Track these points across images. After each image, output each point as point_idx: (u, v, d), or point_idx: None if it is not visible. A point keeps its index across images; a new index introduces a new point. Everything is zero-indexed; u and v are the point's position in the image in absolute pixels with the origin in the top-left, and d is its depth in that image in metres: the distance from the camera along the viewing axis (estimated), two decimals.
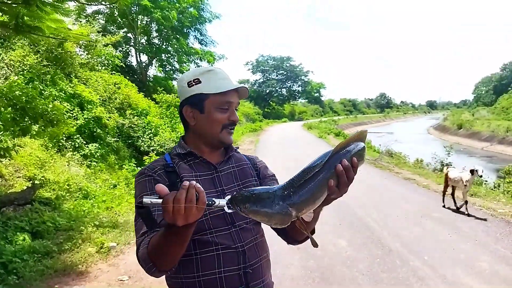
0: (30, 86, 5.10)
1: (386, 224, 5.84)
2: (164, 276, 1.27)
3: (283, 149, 16.33)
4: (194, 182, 0.96)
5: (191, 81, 1.33)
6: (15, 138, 4.68)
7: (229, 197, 0.99)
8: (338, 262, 4.46)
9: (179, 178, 1.27)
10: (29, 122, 4.40)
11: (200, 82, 1.31)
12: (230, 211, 0.99)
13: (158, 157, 1.45)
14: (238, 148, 1.51)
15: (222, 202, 0.99)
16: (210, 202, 0.98)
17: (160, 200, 0.93)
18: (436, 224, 5.92)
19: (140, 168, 1.43)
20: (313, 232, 1.32)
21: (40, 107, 4.19)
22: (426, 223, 5.95)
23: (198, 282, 1.22)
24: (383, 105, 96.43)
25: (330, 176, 1.03)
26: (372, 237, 5.26)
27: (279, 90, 57.09)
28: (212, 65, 21.99)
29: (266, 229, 1.38)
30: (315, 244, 1.12)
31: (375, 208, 6.81)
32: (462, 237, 5.29)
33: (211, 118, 1.30)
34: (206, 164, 1.34)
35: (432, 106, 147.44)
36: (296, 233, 1.33)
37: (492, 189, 9.17)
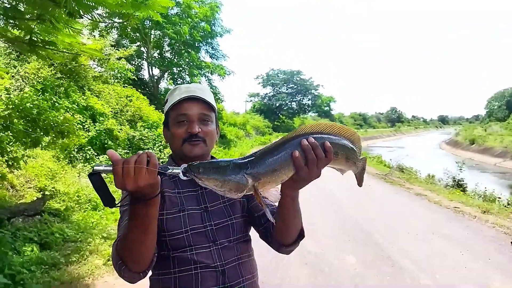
0: (41, 97, 5.18)
1: (396, 241, 5.74)
2: None
3: None
4: (149, 151, 0.96)
5: (165, 101, 1.36)
6: (26, 149, 4.75)
7: (185, 165, 0.97)
8: (347, 279, 4.38)
9: (162, 192, 1.23)
10: (40, 133, 4.47)
11: (167, 101, 1.33)
12: (185, 178, 0.97)
13: None
14: None
15: (176, 170, 0.98)
16: (164, 168, 0.97)
17: (110, 168, 0.93)
18: (447, 241, 5.80)
19: None
20: (302, 234, 1.27)
21: (51, 118, 4.25)
22: (437, 240, 5.83)
23: None
24: (394, 120, 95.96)
25: (291, 151, 0.99)
26: (382, 253, 5.17)
27: (289, 103, 57.21)
28: (223, 78, 22.20)
29: (266, 247, 1.36)
30: (272, 220, 1.06)
31: (384, 224, 6.71)
32: (474, 256, 5.17)
33: (172, 134, 1.30)
34: (190, 181, 1.32)
35: (443, 120, 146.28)
36: (282, 234, 1.24)
37: (505, 206, 8.98)
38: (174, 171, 0.98)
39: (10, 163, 4.31)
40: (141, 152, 0.95)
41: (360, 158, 1.16)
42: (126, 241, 1.05)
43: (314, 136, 1.01)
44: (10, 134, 4.01)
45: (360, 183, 1.23)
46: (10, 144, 4.10)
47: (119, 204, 1.08)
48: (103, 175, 0.97)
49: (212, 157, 1.41)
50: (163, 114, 1.38)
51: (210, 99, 1.31)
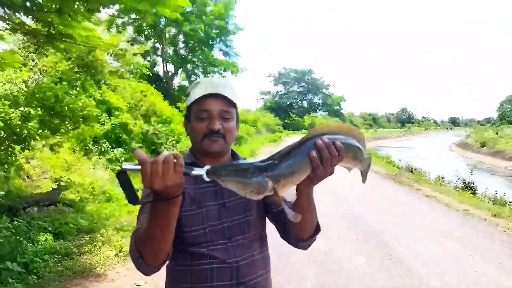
0: (59, 86, 5.28)
1: (405, 242, 5.74)
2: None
3: None
4: (175, 152, 1.01)
5: (186, 95, 1.39)
6: (43, 139, 4.85)
7: (208, 167, 1.02)
8: (355, 278, 4.40)
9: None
10: (58, 121, 4.54)
11: (189, 94, 1.35)
12: (208, 179, 1.02)
13: None
14: (245, 159, 1.48)
15: (201, 171, 1.02)
16: (188, 169, 1.01)
17: (139, 166, 0.97)
18: (457, 244, 5.77)
19: None
20: (318, 228, 1.32)
21: (71, 105, 4.32)
22: (446, 242, 5.81)
23: None
24: (404, 120, 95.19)
25: (308, 151, 1.04)
26: (391, 254, 5.18)
27: (299, 102, 57.18)
28: (235, 75, 22.27)
29: (278, 239, 1.40)
30: (294, 217, 1.08)
31: (393, 225, 6.70)
32: (484, 259, 5.14)
33: (193, 128, 1.32)
34: None
35: (454, 122, 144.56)
36: (300, 230, 1.28)
37: None
38: (198, 172, 1.02)
39: (53, 148, 4.41)
40: (167, 153, 1.00)
41: (366, 156, 1.22)
42: (146, 237, 1.09)
43: (326, 136, 1.06)
44: (30, 125, 4.09)
45: (364, 179, 1.29)
46: (31, 133, 4.18)
47: (142, 202, 1.13)
48: (129, 172, 1.02)
49: (233, 152, 1.44)
50: (185, 107, 1.40)
51: (232, 95, 1.32)
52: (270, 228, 1.44)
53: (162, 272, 1.29)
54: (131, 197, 1.03)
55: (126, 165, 0.99)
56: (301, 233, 1.29)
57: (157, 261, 1.13)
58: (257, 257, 1.33)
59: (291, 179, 1.05)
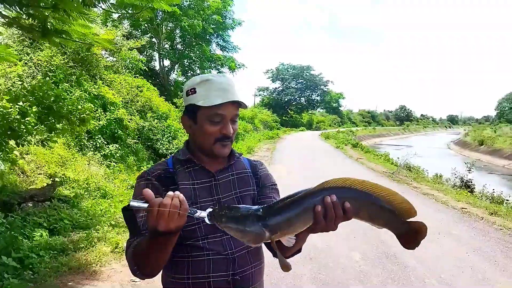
0: (61, 87, 5.25)
1: None
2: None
3: (300, 157, 16.27)
4: (178, 192, 1.03)
5: (188, 90, 1.33)
6: (40, 135, 4.82)
7: (210, 210, 1.06)
8: (351, 276, 4.39)
9: (176, 184, 1.30)
10: (54, 121, 4.51)
11: (195, 92, 1.30)
12: (210, 222, 1.06)
13: None
14: (241, 154, 1.49)
15: (203, 214, 1.06)
16: (192, 212, 1.06)
17: (145, 205, 1.01)
18: (454, 242, 5.78)
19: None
20: (299, 251, 1.37)
21: (69, 106, 4.30)
22: (443, 240, 5.81)
23: (187, 284, 1.26)
24: (403, 118, 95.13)
25: (313, 206, 1.03)
26: (387, 251, 5.17)
27: (297, 98, 57.02)
28: (233, 72, 22.20)
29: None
30: (284, 267, 1.09)
31: None
32: (480, 257, 5.15)
33: (203, 130, 1.29)
34: (204, 171, 1.35)
35: (453, 121, 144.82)
36: (285, 251, 1.27)
37: None
38: (201, 215, 1.07)
39: (44, 143, 4.39)
40: (171, 193, 1.02)
41: (407, 221, 1.10)
42: (143, 257, 1.14)
43: (337, 191, 1.04)
44: (27, 120, 4.06)
45: (408, 247, 1.15)
46: (29, 127, 4.15)
47: (143, 233, 1.17)
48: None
49: (232, 150, 1.43)
50: (188, 103, 1.35)
51: (241, 96, 1.33)
52: None
53: None
54: (134, 231, 1.13)
55: (134, 203, 1.03)
56: (284, 252, 1.29)
57: (154, 273, 1.19)
58: (252, 249, 1.34)
59: (289, 231, 1.05)
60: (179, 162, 1.35)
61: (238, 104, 1.31)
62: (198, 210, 1.07)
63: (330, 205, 1.03)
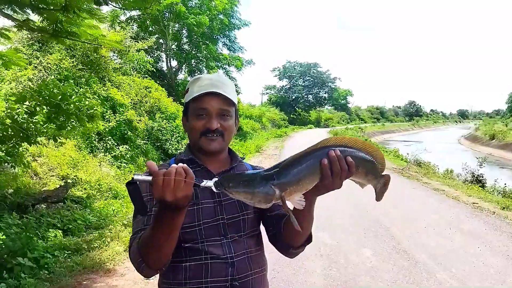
0: (66, 84, 5.32)
1: (412, 235, 5.72)
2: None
3: None
4: (184, 164, 1.01)
5: (185, 91, 1.37)
6: (50, 138, 4.89)
7: (216, 179, 1.04)
8: (362, 272, 4.40)
9: None
10: (64, 119, 4.57)
11: (188, 91, 1.34)
12: (216, 191, 1.03)
13: None
14: (244, 158, 1.48)
15: (209, 183, 1.03)
16: (198, 181, 1.03)
17: (150, 177, 0.99)
18: (465, 236, 5.75)
19: None
20: (310, 239, 1.32)
21: (77, 103, 4.36)
22: (454, 235, 5.78)
23: None
24: (412, 114, 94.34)
25: (319, 160, 1.04)
26: (398, 247, 5.17)
27: (305, 96, 56.93)
28: (240, 71, 22.23)
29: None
30: (298, 227, 1.09)
31: (401, 218, 6.68)
32: (492, 251, 5.12)
33: (191, 126, 1.31)
34: (206, 173, 1.32)
35: (463, 115, 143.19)
36: (293, 236, 1.28)
37: None
38: (207, 184, 1.04)
39: (55, 138, 4.47)
40: (175, 165, 1.00)
41: (382, 174, 1.20)
42: (150, 244, 1.10)
43: (338, 148, 1.06)
44: (36, 119, 4.13)
45: (378, 198, 1.27)
46: (38, 127, 4.23)
47: (150, 212, 1.16)
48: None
49: (230, 150, 1.44)
50: (183, 103, 1.40)
51: (231, 93, 1.31)
52: None
53: None
54: (141, 208, 1.06)
55: (137, 176, 1.00)
56: (294, 240, 1.29)
57: (159, 264, 1.14)
58: (253, 254, 1.31)
59: (298, 187, 1.05)
60: (182, 163, 1.35)
61: (227, 100, 1.30)
62: (204, 180, 1.04)
63: (335, 158, 1.04)
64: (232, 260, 1.24)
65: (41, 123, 4.22)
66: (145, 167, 1.06)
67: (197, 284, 1.21)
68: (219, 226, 1.27)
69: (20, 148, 4.29)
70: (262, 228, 1.41)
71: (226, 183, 1.02)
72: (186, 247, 1.23)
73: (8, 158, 4.25)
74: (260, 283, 1.32)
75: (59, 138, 4.57)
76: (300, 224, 1.14)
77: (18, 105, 4.17)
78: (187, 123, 1.34)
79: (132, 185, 1.01)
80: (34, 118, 4.17)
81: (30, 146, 4.29)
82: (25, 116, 4.14)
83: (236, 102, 1.37)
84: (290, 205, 1.08)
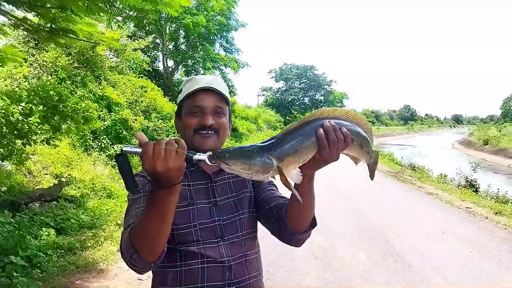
0: (63, 86, 5.30)
1: (406, 239, 5.74)
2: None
3: None
4: (174, 137, 0.99)
5: (178, 92, 1.36)
6: (44, 135, 4.87)
7: (210, 152, 1.00)
8: (356, 274, 4.41)
9: None
10: (60, 119, 4.56)
11: (181, 91, 1.32)
12: (210, 163, 0.99)
13: None
14: None
15: (202, 156, 1.00)
16: (191, 152, 0.99)
17: (139, 149, 0.94)
18: (458, 241, 5.78)
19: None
20: (314, 222, 1.27)
21: (73, 105, 4.34)
22: (448, 239, 5.82)
23: None
24: (407, 118, 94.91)
25: (315, 130, 1.03)
26: (392, 250, 5.19)
27: (301, 98, 57.00)
28: (236, 72, 22.24)
29: (276, 240, 1.34)
30: (298, 197, 1.06)
31: (395, 222, 6.71)
32: (485, 256, 5.15)
33: (184, 124, 1.28)
34: (201, 173, 1.30)
35: (458, 120, 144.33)
36: (297, 219, 1.23)
37: None
38: (200, 156, 1.00)
39: (49, 141, 4.44)
40: (169, 139, 0.96)
41: (373, 150, 1.20)
42: (143, 229, 1.02)
43: (332, 119, 1.06)
44: (31, 120, 4.11)
45: (372, 175, 1.26)
46: (32, 128, 4.20)
47: (141, 190, 1.11)
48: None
49: None
50: (176, 104, 1.37)
51: (225, 92, 1.30)
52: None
53: None
54: (131, 184, 0.98)
55: (127, 148, 0.95)
56: (299, 224, 1.24)
57: (152, 256, 1.05)
58: (251, 257, 1.28)
59: (295, 158, 1.03)
60: (190, 159, 1.32)
61: (220, 98, 1.29)
62: (197, 153, 1.00)
63: (330, 128, 1.02)
64: (230, 263, 1.21)
65: (36, 124, 4.20)
66: (140, 167, 1.01)
67: None
68: (215, 227, 1.23)
69: (15, 146, 4.25)
70: (259, 229, 1.39)
71: (222, 154, 0.97)
72: (181, 250, 1.19)
73: (1, 151, 4.20)
74: (258, 285, 1.29)
75: (53, 141, 4.53)
76: (305, 202, 1.12)
77: (14, 105, 4.15)
78: (180, 122, 1.32)
79: (121, 157, 0.96)
80: (29, 119, 4.14)
81: (25, 147, 4.25)
82: (20, 117, 4.11)
83: (229, 101, 1.36)
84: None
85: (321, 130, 1.02)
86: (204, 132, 1.24)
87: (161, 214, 1.00)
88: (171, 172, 0.93)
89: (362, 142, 1.13)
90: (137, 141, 0.96)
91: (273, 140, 1.03)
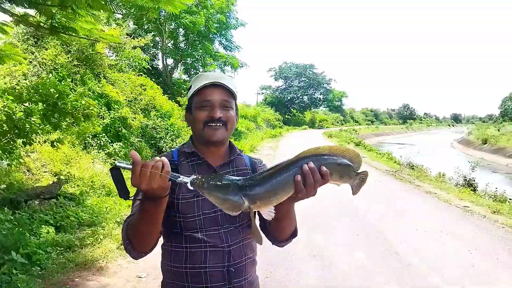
0: (63, 83, 5.29)
1: (404, 238, 5.76)
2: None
3: None
4: (164, 158, 1.09)
5: (188, 88, 1.46)
6: (45, 134, 4.87)
7: (193, 176, 1.09)
8: (354, 273, 4.43)
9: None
10: (60, 117, 4.56)
11: (191, 87, 1.42)
12: (191, 188, 1.09)
13: None
14: (242, 151, 1.55)
15: (186, 179, 1.09)
16: (175, 176, 1.09)
17: (130, 166, 1.06)
18: (456, 240, 5.80)
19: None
20: (295, 233, 1.44)
21: (73, 102, 4.35)
22: (446, 238, 5.84)
23: (185, 272, 1.33)
24: (406, 116, 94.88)
25: (293, 175, 1.10)
26: (390, 250, 5.21)
27: (300, 97, 56.99)
28: (235, 70, 22.25)
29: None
30: (258, 238, 1.19)
31: (393, 221, 6.73)
32: (483, 255, 5.17)
33: (195, 117, 1.39)
34: (207, 166, 1.41)
35: (456, 119, 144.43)
36: (281, 231, 1.41)
37: None
38: (183, 180, 1.09)
39: (54, 144, 4.46)
40: (157, 158, 1.09)
41: (360, 172, 1.25)
42: (134, 229, 1.23)
43: (313, 159, 1.13)
44: (32, 119, 4.11)
45: (354, 193, 1.31)
46: (33, 127, 4.21)
47: (132, 198, 1.24)
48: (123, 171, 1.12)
49: (231, 144, 1.50)
50: (188, 99, 1.47)
51: (232, 86, 1.39)
52: None
53: None
54: (123, 192, 1.14)
55: (120, 163, 1.08)
56: (278, 235, 1.43)
57: (144, 248, 1.27)
58: (247, 242, 1.41)
59: (269, 201, 1.12)
60: (184, 155, 1.43)
61: (228, 92, 1.38)
62: (181, 175, 1.10)
63: (308, 172, 1.10)
64: (229, 248, 1.35)
65: (37, 124, 4.20)
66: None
67: (196, 269, 1.32)
68: (217, 217, 1.35)
69: (16, 144, 4.26)
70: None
71: (201, 183, 1.07)
72: (187, 235, 1.33)
73: (1, 153, 4.22)
74: (251, 266, 1.44)
75: (56, 145, 4.54)
76: (282, 224, 1.34)
77: (15, 104, 4.15)
78: (191, 116, 1.42)
79: (115, 171, 1.11)
80: (32, 118, 4.15)
81: (25, 146, 4.26)
82: (22, 116, 4.11)
83: (236, 96, 1.44)
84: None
85: (299, 177, 1.11)
86: (213, 124, 1.35)
87: (149, 220, 1.19)
88: (154, 190, 1.08)
89: (342, 173, 1.20)
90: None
91: (251, 181, 1.10)
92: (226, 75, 1.47)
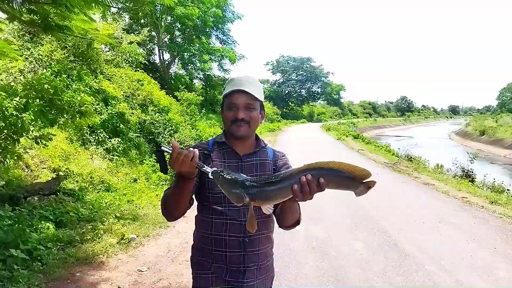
0: (58, 79, 5.27)
1: (402, 228, 5.81)
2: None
3: (301, 150, 16.29)
4: (195, 150, 1.37)
5: (223, 89, 1.73)
6: (41, 129, 4.86)
7: (214, 169, 1.39)
8: (353, 264, 4.47)
9: (212, 161, 1.64)
10: (56, 113, 4.56)
11: (224, 89, 1.70)
12: (211, 177, 1.38)
13: None
14: (266, 145, 1.80)
15: (208, 169, 1.39)
16: (200, 165, 1.39)
17: (170, 151, 1.35)
18: (454, 230, 5.85)
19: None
20: (298, 221, 1.68)
21: (68, 99, 4.34)
22: (444, 228, 5.89)
23: (210, 238, 1.64)
24: (404, 109, 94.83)
25: (291, 185, 1.27)
26: (388, 240, 5.25)
27: (298, 90, 56.94)
28: (234, 64, 22.25)
29: (276, 228, 1.74)
30: (250, 226, 1.40)
31: (392, 212, 6.77)
32: (480, 244, 5.22)
33: (224, 116, 1.68)
34: (234, 154, 1.69)
35: (454, 111, 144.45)
36: (284, 220, 1.65)
37: None
38: (207, 170, 1.40)
39: (38, 140, 4.46)
40: (191, 149, 1.36)
41: (363, 182, 1.33)
42: (168, 199, 1.53)
43: (312, 171, 1.27)
44: (25, 115, 4.10)
45: (357, 196, 1.41)
46: (31, 123, 4.20)
47: (169, 173, 1.61)
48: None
49: (257, 136, 1.76)
50: (222, 98, 1.74)
51: (256, 91, 1.63)
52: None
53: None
54: (163, 168, 1.53)
55: (164, 147, 1.42)
56: (284, 223, 1.67)
57: (175, 216, 1.60)
58: (263, 220, 1.64)
59: (266, 201, 1.34)
60: (217, 144, 1.71)
61: (252, 96, 1.62)
62: (205, 166, 1.41)
63: (305, 183, 1.27)
64: (245, 222, 1.53)
65: (29, 120, 4.19)
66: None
67: (219, 236, 1.62)
68: None
69: (13, 140, 4.26)
70: None
71: (217, 176, 1.36)
72: (213, 208, 1.63)
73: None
74: (266, 241, 1.70)
75: (40, 142, 4.53)
76: (286, 214, 1.61)
77: (8, 100, 4.14)
78: (223, 114, 1.69)
79: (159, 152, 1.45)
80: (23, 114, 4.13)
81: (19, 143, 4.26)
82: (14, 112, 4.10)
83: (262, 98, 1.69)
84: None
85: (296, 186, 1.28)
86: (238, 123, 1.63)
87: (179, 193, 1.49)
88: (183, 173, 1.39)
89: (340, 184, 1.33)
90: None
91: (255, 183, 1.31)
92: (253, 79, 1.69)
